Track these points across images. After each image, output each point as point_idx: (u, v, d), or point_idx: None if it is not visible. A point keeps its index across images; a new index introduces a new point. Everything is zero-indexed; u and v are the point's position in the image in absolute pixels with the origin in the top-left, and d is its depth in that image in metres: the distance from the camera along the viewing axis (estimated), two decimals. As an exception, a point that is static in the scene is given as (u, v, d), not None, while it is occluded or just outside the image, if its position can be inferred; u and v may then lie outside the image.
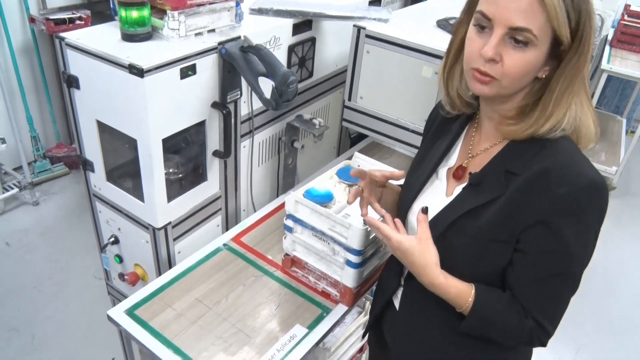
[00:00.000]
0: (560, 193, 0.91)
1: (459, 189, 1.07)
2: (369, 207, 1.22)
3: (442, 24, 1.87)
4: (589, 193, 0.92)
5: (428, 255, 1.02)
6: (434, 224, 1.07)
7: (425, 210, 1.04)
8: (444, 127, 1.17)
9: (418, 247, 1.03)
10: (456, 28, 1.04)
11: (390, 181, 1.24)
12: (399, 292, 1.23)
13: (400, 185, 1.33)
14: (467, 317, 1.01)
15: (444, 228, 1.04)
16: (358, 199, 1.22)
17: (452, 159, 1.13)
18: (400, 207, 1.21)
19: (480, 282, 1.02)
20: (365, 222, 1.09)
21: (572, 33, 0.88)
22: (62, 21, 3.16)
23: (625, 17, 3.78)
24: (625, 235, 3.62)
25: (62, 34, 1.48)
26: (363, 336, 1.45)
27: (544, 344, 1.02)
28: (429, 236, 1.03)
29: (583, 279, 0.99)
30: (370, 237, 1.41)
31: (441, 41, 1.72)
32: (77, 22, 3.20)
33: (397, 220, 1.11)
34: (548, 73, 0.94)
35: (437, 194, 1.12)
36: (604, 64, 3.46)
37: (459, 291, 1.01)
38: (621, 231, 3.63)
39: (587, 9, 0.88)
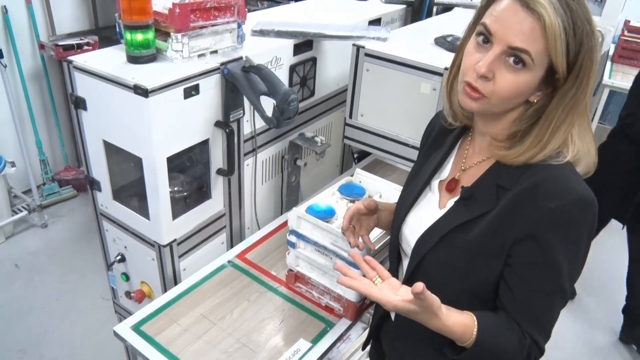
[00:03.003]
0: (550, 207, 0.91)
1: (451, 202, 1.07)
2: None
3: (440, 42, 1.90)
4: (578, 208, 0.92)
5: (430, 313, 0.94)
6: (425, 237, 1.07)
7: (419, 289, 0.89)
8: (439, 140, 1.18)
9: (419, 311, 0.94)
10: (461, 43, 1.04)
11: (385, 200, 1.25)
12: None
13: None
14: (469, 349, 0.97)
15: (435, 242, 1.04)
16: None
17: (445, 172, 1.14)
18: (394, 221, 1.22)
19: (470, 295, 1.02)
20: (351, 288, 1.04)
21: (569, 64, 0.89)
22: (71, 47, 3.23)
23: (626, 33, 3.82)
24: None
25: (70, 57, 1.53)
26: (363, 347, 1.46)
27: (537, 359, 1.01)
28: (431, 301, 0.91)
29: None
30: (372, 252, 1.42)
31: (439, 58, 1.75)
32: (85, 47, 3.27)
33: (369, 259, 1.08)
34: (540, 98, 0.95)
35: (430, 207, 1.13)
36: (606, 79, 3.49)
37: (464, 327, 0.97)
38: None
39: (589, 44, 0.88)
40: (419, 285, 0.88)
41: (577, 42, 0.87)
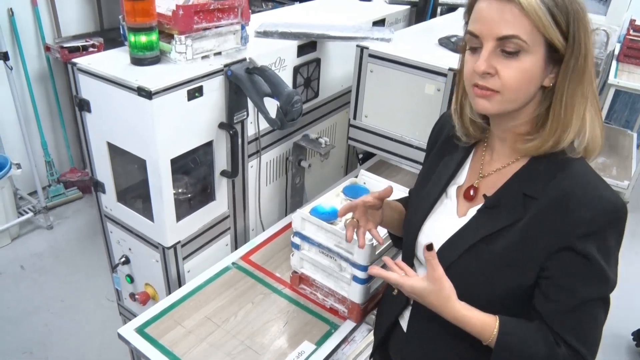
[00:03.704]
0: (583, 217, 0.91)
1: (472, 210, 1.05)
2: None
3: (444, 42, 1.89)
4: (611, 216, 0.92)
5: (444, 292, 0.98)
6: (448, 248, 1.05)
7: (430, 247, 0.97)
8: (450, 144, 1.15)
9: (432, 288, 0.99)
10: (460, 61, 1.04)
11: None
12: (406, 313, 1.21)
13: (399, 200, 1.34)
14: (494, 349, 0.97)
15: (460, 252, 1.02)
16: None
17: (461, 178, 1.11)
18: (409, 228, 1.18)
19: (496, 306, 1.00)
20: (370, 271, 1.10)
21: (563, 35, 0.89)
22: (76, 49, 3.24)
23: (631, 32, 3.80)
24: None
25: (74, 60, 1.53)
26: (370, 357, 1.44)
27: None
28: (441, 273, 0.98)
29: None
30: (377, 253, 1.42)
31: (443, 59, 1.74)
32: (91, 49, 3.28)
33: (399, 262, 1.09)
34: (555, 80, 0.93)
35: (448, 214, 1.10)
36: (611, 79, 3.47)
37: (483, 322, 0.97)
38: (636, 245, 3.59)
39: (575, 9, 0.88)
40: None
41: (562, 11, 0.88)
